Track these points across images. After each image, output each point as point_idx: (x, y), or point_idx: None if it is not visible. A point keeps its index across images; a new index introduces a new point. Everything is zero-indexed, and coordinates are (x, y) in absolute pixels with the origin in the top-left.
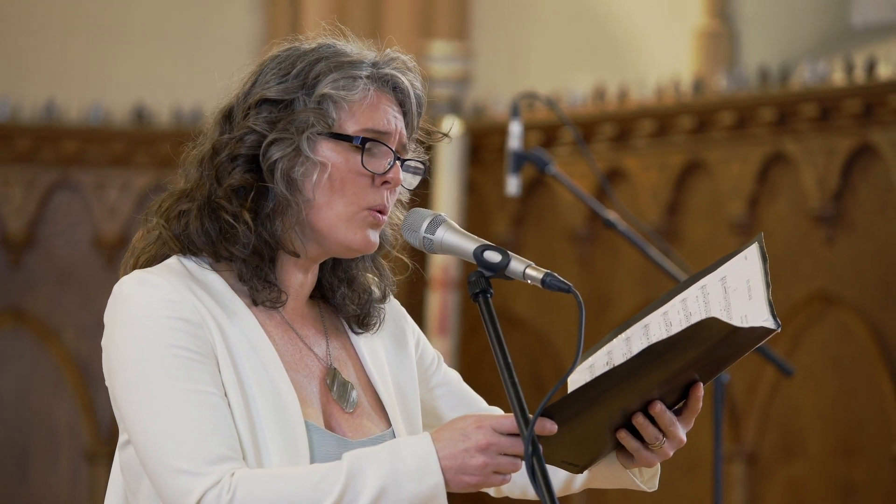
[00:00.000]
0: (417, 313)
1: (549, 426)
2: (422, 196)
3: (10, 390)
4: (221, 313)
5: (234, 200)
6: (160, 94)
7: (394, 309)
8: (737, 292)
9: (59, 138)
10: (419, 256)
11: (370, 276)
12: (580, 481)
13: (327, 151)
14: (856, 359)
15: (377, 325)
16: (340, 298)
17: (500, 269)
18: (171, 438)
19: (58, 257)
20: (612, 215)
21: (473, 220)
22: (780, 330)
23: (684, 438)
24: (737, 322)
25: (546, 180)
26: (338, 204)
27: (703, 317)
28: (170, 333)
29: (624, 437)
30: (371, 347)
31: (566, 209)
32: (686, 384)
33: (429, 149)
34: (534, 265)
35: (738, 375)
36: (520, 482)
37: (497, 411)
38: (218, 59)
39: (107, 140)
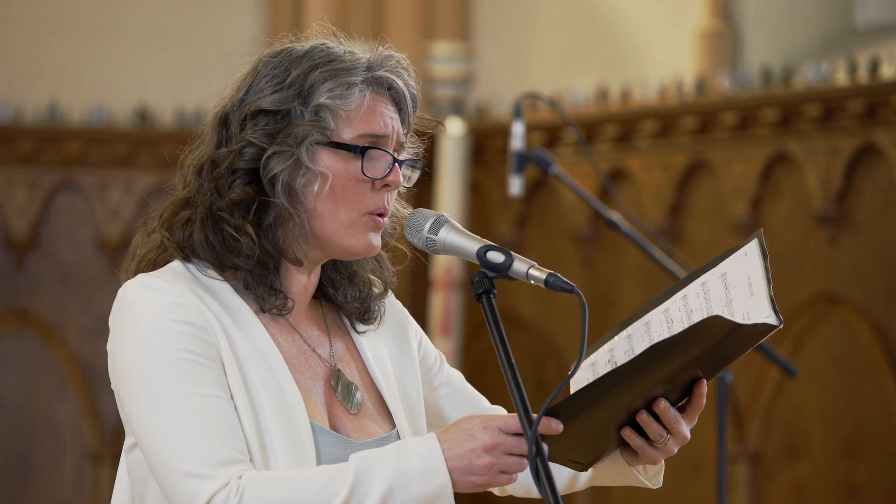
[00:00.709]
0: (421, 314)
1: (554, 425)
2: (425, 196)
3: (14, 392)
4: (226, 316)
5: (235, 213)
6: (163, 95)
7: (396, 310)
8: (738, 289)
9: (62, 139)
10: (422, 257)
11: (370, 268)
12: (585, 479)
13: (327, 161)
14: (859, 359)
15: (378, 319)
16: (342, 295)
17: (503, 270)
18: (179, 442)
19: (61, 258)
20: (615, 216)
21: (476, 220)
22: (782, 326)
23: (688, 435)
24: (738, 319)
25: (549, 181)
26: (340, 211)
27: (705, 314)
28: (175, 337)
29: (628, 434)
30: (374, 348)
31: (569, 210)
32: (689, 381)
33: (426, 138)
34: (537, 265)
35: (741, 376)
36: (524, 481)
37: (500, 410)
38: (220, 61)
39: (109, 141)
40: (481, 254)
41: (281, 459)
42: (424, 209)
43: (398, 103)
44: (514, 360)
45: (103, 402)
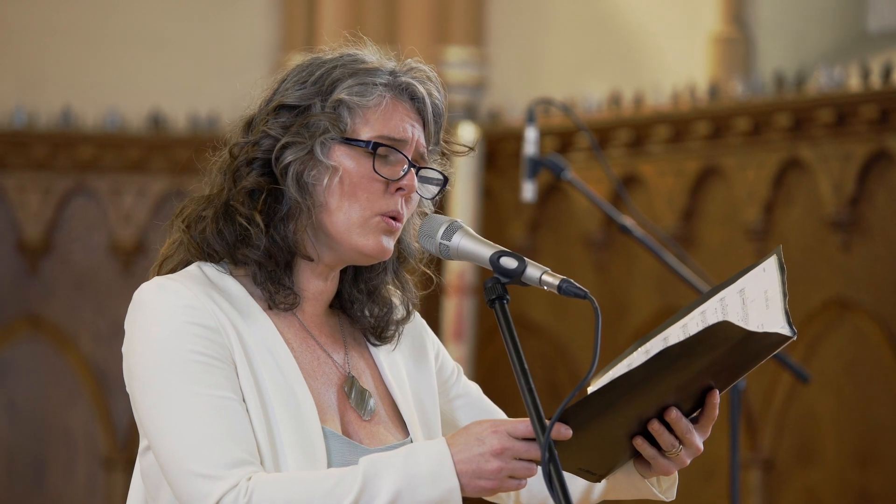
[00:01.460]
0: (433, 319)
1: (563, 431)
2: (438, 202)
3: (27, 397)
4: (240, 319)
5: (247, 202)
6: (176, 100)
7: (415, 321)
8: (754, 303)
9: (76, 144)
10: (435, 262)
11: (392, 288)
12: (598, 491)
13: (340, 156)
14: (872, 365)
15: (395, 338)
16: (359, 309)
17: (516, 276)
18: (189, 442)
19: (74, 263)
20: (627, 221)
21: (489, 225)
22: (795, 338)
23: (701, 446)
24: (752, 329)
25: (562, 186)
26: (350, 208)
27: None
28: (189, 339)
29: (640, 443)
30: (390, 358)
31: (582, 215)
32: (702, 391)
33: (448, 157)
34: (550, 271)
35: (754, 382)
36: (538, 493)
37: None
38: (234, 66)
39: (123, 146)
40: (494, 259)
41: (291, 462)
42: (437, 215)
43: (420, 113)
44: (527, 366)
45: (116, 407)
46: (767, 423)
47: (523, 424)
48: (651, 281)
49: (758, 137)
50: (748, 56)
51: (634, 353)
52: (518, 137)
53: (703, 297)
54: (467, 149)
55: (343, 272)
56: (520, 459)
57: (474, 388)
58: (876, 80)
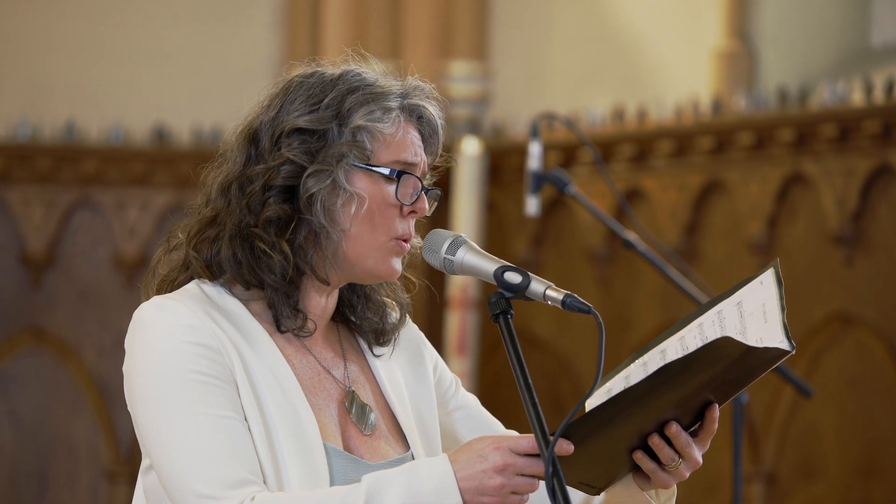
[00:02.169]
0: (436, 333)
1: (565, 446)
2: (441, 215)
3: (30, 409)
4: (240, 338)
5: (270, 231)
6: (180, 114)
7: (412, 333)
8: (752, 316)
9: (80, 158)
10: (438, 276)
11: (384, 292)
12: (597, 503)
13: (363, 183)
14: (874, 379)
15: (393, 342)
16: (360, 317)
17: (520, 290)
18: (192, 463)
19: (78, 277)
20: (631, 235)
21: (493, 239)
22: (794, 352)
23: (700, 460)
24: (752, 344)
25: (565, 200)
26: (370, 234)
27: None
28: (189, 359)
29: (640, 457)
30: (389, 371)
31: (585, 229)
32: (701, 405)
33: (439, 168)
34: (554, 286)
35: (756, 396)
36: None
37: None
38: (238, 80)
39: (127, 160)
40: (499, 274)
41: (294, 480)
42: (442, 230)
43: (425, 133)
44: (530, 381)
45: (119, 420)
46: (770, 437)
47: (525, 440)
48: (654, 295)
49: (761, 152)
50: (751, 71)
51: (632, 365)
52: (521, 151)
53: (701, 310)
54: (450, 157)
55: None
56: (522, 475)
57: (472, 400)
58: (879, 95)
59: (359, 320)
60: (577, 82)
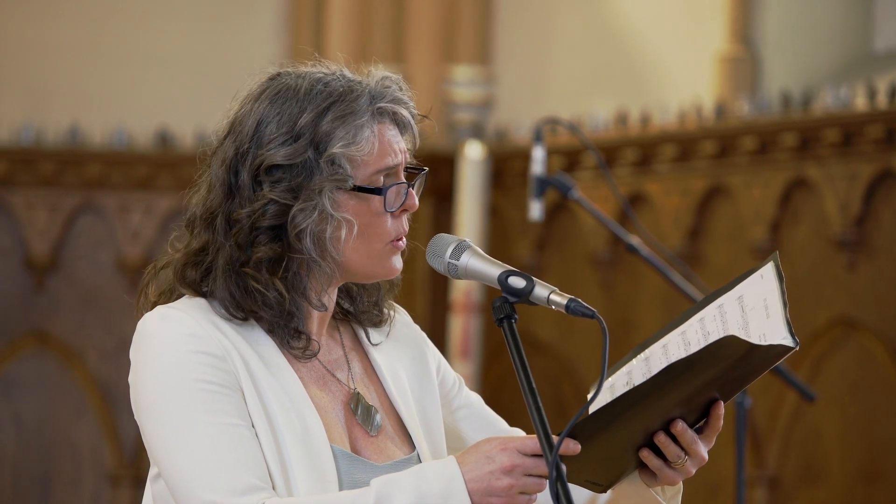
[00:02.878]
0: (440, 337)
1: (571, 446)
2: (445, 219)
3: (34, 413)
4: (244, 345)
5: (263, 270)
6: (183, 117)
7: (415, 333)
8: (754, 311)
9: (83, 162)
10: (442, 280)
11: None
12: (604, 500)
13: (350, 205)
14: (877, 384)
15: (389, 321)
16: (360, 303)
17: (524, 295)
18: (201, 471)
19: (81, 280)
20: (634, 240)
21: (496, 244)
22: (798, 348)
23: (706, 456)
24: (755, 340)
25: (569, 205)
26: (367, 247)
27: (722, 335)
28: (194, 367)
29: (646, 455)
30: (393, 371)
31: (588, 233)
32: (706, 403)
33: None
34: (558, 291)
35: (760, 400)
36: (544, 501)
37: (519, 432)
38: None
39: (130, 164)
40: (503, 279)
41: (303, 484)
42: (446, 234)
43: (401, 124)
44: (534, 385)
45: (122, 423)
46: (773, 441)
47: (532, 441)
48: (657, 299)
49: (764, 157)
50: (755, 75)
51: (633, 360)
52: (525, 156)
53: (702, 304)
54: (422, 117)
55: None
56: (530, 475)
57: (476, 399)
58: (882, 100)
59: (359, 307)
60: (580, 87)
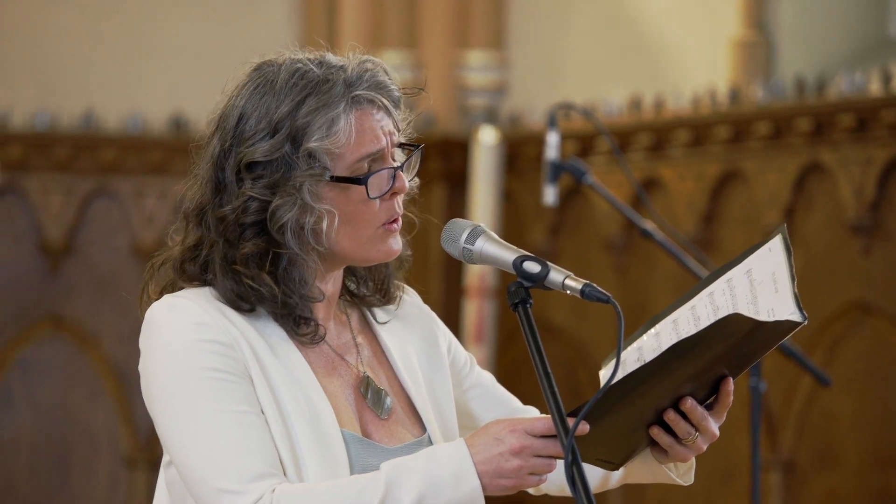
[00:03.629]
0: (454, 321)
1: (581, 426)
2: (458, 204)
3: (50, 397)
4: (252, 332)
5: (251, 265)
6: (198, 102)
7: (425, 313)
8: (763, 285)
9: (98, 147)
10: (456, 265)
11: None
12: (616, 477)
13: (331, 196)
14: (892, 368)
15: (398, 299)
16: (364, 284)
17: (539, 280)
18: (211, 459)
19: (96, 265)
20: (648, 225)
21: (510, 229)
22: (806, 322)
23: (717, 432)
24: (764, 316)
25: (583, 190)
26: (355, 233)
27: (731, 311)
28: (202, 356)
29: (657, 433)
30: (402, 352)
31: (602, 218)
32: (716, 379)
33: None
34: (573, 276)
35: (774, 385)
36: (557, 481)
37: (533, 411)
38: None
39: (145, 149)
40: (517, 264)
41: (314, 470)
42: (461, 219)
43: (383, 108)
44: (550, 370)
45: (138, 407)
46: (788, 426)
47: (541, 422)
48: (671, 284)
49: (778, 142)
50: (769, 60)
51: (644, 336)
52: (538, 141)
53: (710, 278)
54: (418, 90)
55: None
56: (539, 456)
57: (488, 378)
58: None
59: (364, 289)
60: (594, 72)
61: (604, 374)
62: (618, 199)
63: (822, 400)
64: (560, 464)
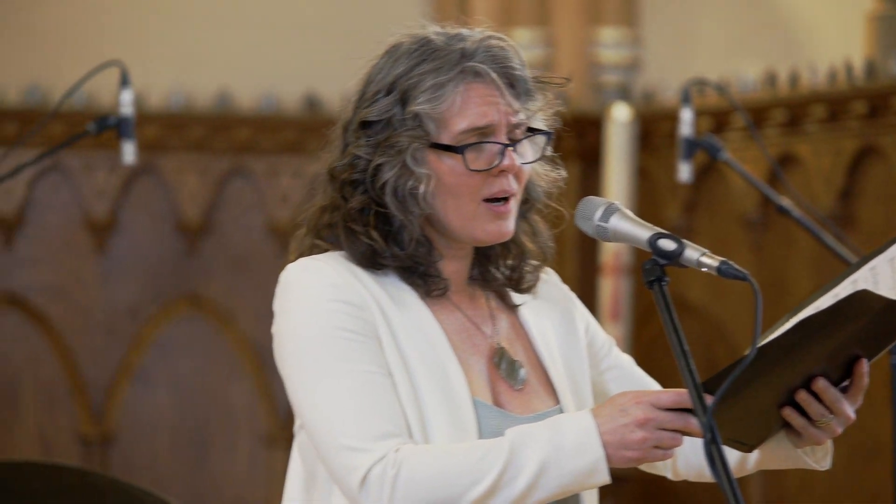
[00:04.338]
0: (590, 300)
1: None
2: (592, 182)
3: (189, 375)
4: (385, 296)
5: (359, 221)
6: (331, 81)
7: (563, 292)
8: None
9: (232, 127)
10: (591, 243)
11: (524, 235)
12: (752, 461)
13: (432, 162)
14: None
15: (533, 288)
16: (495, 265)
17: (674, 258)
18: (337, 417)
19: (232, 244)
20: (785, 201)
21: (644, 206)
22: None
23: (852, 415)
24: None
25: (718, 166)
26: (457, 205)
27: None
28: (333, 316)
29: (789, 414)
30: (539, 327)
31: (738, 195)
32: (850, 360)
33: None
34: (709, 253)
35: None
36: (695, 464)
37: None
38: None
39: (279, 128)
40: (653, 241)
41: (441, 433)
42: (595, 197)
43: (499, 87)
44: (687, 347)
45: (276, 385)
46: None
47: (667, 395)
48: (809, 261)
49: None
50: None
51: (786, 325)
52: (672, 117)
53: (855, 266)
54: (564, 80)
55: None
56: (664, 429)
57: (627, 360)
58: None
59: (494, 269)
60: (727, 47)
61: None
62: (753, 175)
63: None
64: (699, 444)
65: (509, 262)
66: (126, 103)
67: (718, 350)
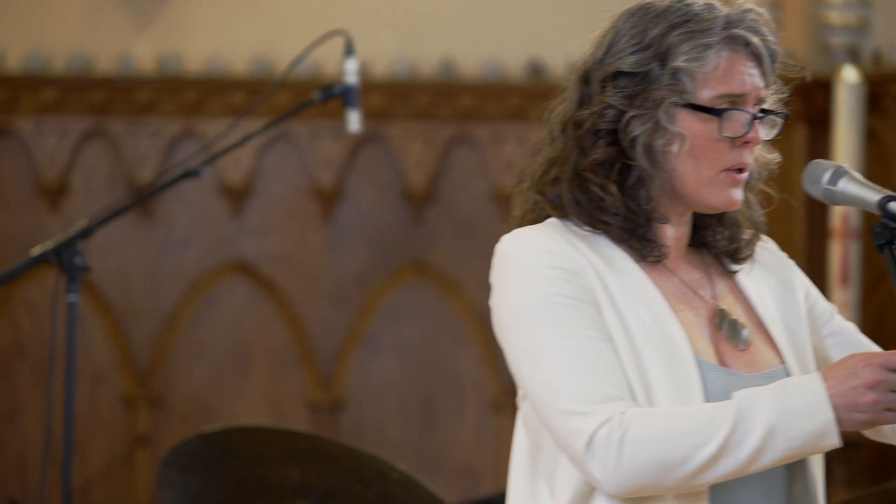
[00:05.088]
0: (819, 265)
1: None
2: (821, 145)
3: (416, 342)
4: (601, 262)
5: (599, 173)
6: (555, 48)
7: (781, 258)
8: None
9: (456, 94)
10: (819, 207)
11: (737, 212)
12: None
13: (685, 122)
14: None
15: (749, 259)
16: (711, 234)
17: None
18: (558, 383)
19: (457, 211)
20: None
21: (873, 169)
22: None
23: None
24: None
25: None
26: (698, 169)
27: None
28: (549, 282)
29: None
30: (757, 290)
31: None
32: None
33: (787, 83)
34: None
35: None
36: None
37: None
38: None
39: (503, 95)
40: (882, 204)
41: (665, 396)
42: (822, 160)
43: (757, 56)
44: None
45: (502, 353)
46: None
47: None
48: None
49: None
50: None
51: None
52: None
53: None
54: (800, 68)
55: None
56: (894, 391)
57: (849, 327)
58: None
59: (711, 238)
60: None
61: None
62: None
63: None
64: None
65: (725, 231)
66: (351, 72)
67: None
